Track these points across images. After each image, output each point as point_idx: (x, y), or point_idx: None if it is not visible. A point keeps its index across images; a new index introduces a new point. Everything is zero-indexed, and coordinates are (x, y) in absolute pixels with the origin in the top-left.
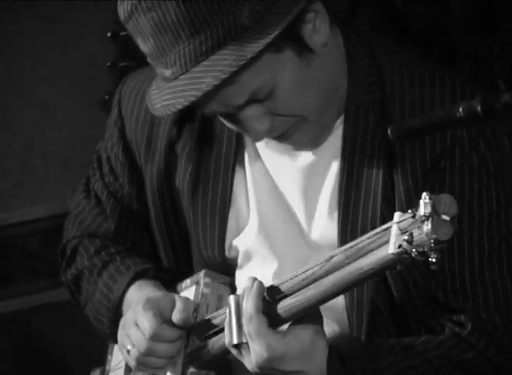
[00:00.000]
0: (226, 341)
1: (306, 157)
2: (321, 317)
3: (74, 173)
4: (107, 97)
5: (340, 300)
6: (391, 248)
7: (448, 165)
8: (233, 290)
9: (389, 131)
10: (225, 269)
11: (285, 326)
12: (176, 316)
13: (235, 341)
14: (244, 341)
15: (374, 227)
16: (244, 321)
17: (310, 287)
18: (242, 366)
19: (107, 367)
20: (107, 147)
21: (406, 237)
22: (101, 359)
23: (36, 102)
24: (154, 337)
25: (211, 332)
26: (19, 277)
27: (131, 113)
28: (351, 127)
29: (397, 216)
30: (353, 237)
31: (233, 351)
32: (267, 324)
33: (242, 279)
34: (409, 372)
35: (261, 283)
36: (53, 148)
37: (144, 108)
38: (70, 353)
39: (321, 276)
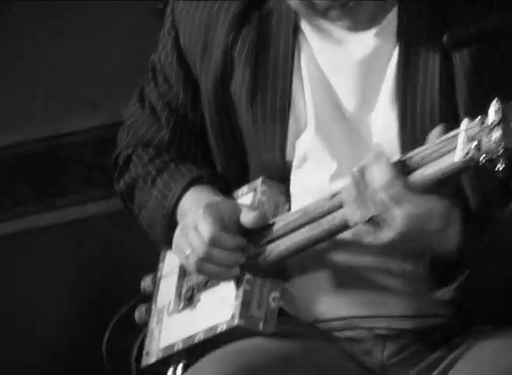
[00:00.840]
0: (357, 219)
1: (362, 51)
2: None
3: (128, 84)
4: (161, 6)
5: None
6: (458, 156)
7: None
8: (289, 199)
9: (444, 38)
10: (283, 172)
11: None
12: (245, 219)
13: (370, 214)
14: (378, 212)
15: (432, 121)
16: (380, 189)
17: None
18: (299, 271)
19: (159, 274)
20: (161, 57)
21: (474, 145)
22: (154, 269)
23: (91, 12)
24: (214, 243)
25: (269, 238)
26: (74, 187)
27: (185, 22)
28: (406, 17)
29: (465, 123)
30: (413, 132)
31: (367, 228)
32: (407, 187)
33: (297, 184)
34: None
35: (386, 156)
36: (107, 57)
37: (198, 15)
38: (123, 262)
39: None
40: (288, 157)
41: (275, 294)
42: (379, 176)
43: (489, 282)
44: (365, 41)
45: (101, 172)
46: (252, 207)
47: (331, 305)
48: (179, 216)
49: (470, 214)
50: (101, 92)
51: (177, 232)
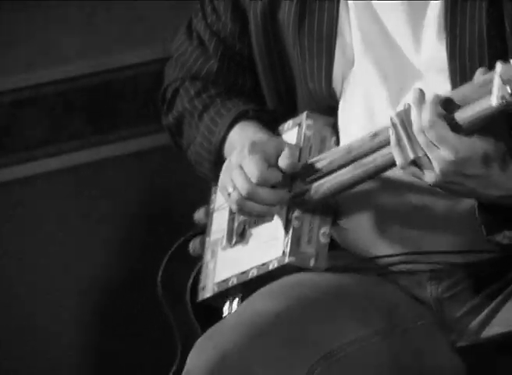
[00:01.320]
0: (400, 161)
1: None
2: (504, 133)
3: (181, 16)
4: None
5: None
6: (493, 100)
7: None
8: (336, 131)
9: None
10: (330, 104)
11: None
12: (283, 162)
13: (412, 156)
14: (420, 154)
15: (481, 55)
16: (421, 131)
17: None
18: (349, 207)
19: (211, 206)
20: None
21: (509, 89)
22: (207, 201)
23: None
24: (260, 181)
25: (315, 176)
26: (128, 121)
27: None
28: None
29: (499, 66)
30: (462, 64)
31: (409, 171)
32: (449, 128)
33: (345, 115)
34: None
35: (434, 93)
36: None
37: None
38: (176, 195)
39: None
40: (335, 87)
41: (325, 229)
42: (420, 117)
43: None
44: None
45: (155, 106)
46: (298, 142)
47: (382, 241)
48: (226, 152)
49: None
50: (155, 26)
51: (222, 170)
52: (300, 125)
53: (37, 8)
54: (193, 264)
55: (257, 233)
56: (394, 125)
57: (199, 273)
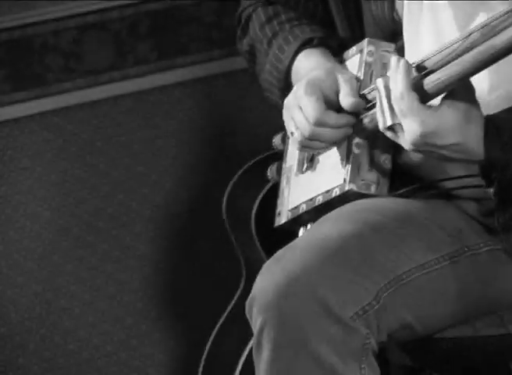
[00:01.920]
0: (380, 125)
1: None
2: (472, 89)
3: None
4: None
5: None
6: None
7: None
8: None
9: None
10: (394, 28)
11: (437, 101)
12: (344, 101)
13: (388, 123)
14: (397, 121)
15: None
16: (395, 100)
17: (453, 62)
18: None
19: (288, 133)
20: None
21: None
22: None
23: None
24: (318, 123)
25: (371, 104)
26: (194, 47)
27: None
28: None
29: None
30: None
31: (388, 134)
32: (418, 100)
33: (409, 38)
34: None
35: (407, 62)
36: None
37: None
38: (246, 120)
39: (463, 52)
40: (398, 13)
41: (387, 155)
42: (396, 87)
43: None
44: None
45: (221, 31)
46: (359, 69)
47: (445, 164)
48: (293, 80)
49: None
50: None
51: (284, 110)
52: (361, 51)
53: None
54: (260, 190)
55: (324, 160)
56: (378, 89)
57: (264, 200)
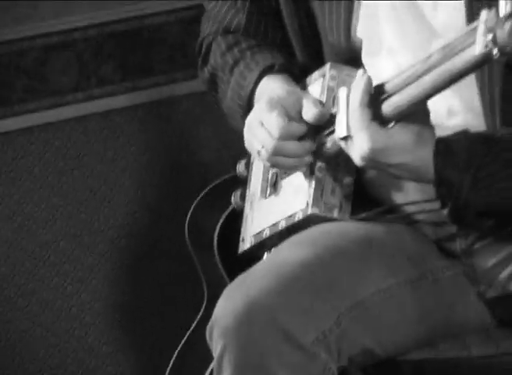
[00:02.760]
0: (335, 135)
1: None
2: (427, 112)
3: None
4: None
5: (471, 91)
6: (478, 48)
7: None
8: None
9: None
10: (351, 57)
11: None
12: (307, 114)
13: (342, 134)
14: (351, 133)
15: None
16: (351, 112)
17: (412, 85)
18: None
19: (252, 158)
20: None
21: (490, 38)
22: (245, 152)
23: None
24: (282, 136)
25: (333, 128)
26: (158, 68)
27: None
28: None
29: (484, 14)
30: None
31: (342, 145)
32: (371, 117)
33: (371, 67)
34: None
35: (369, 78)
36: None
37: None
38: (209, 143)
39: (422, 75)
40: (353, 41)
41: (349, 179)
42: (352, 100)
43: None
44: None
45: (185, 53)
46: (322, 93)
47: (405, 189)
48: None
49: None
50: None
51: (245, 128)
52: (324, 76)
53: None
54: (221, 212)
55: (286, 184)
56: (339, 98)
57: (227, 222)
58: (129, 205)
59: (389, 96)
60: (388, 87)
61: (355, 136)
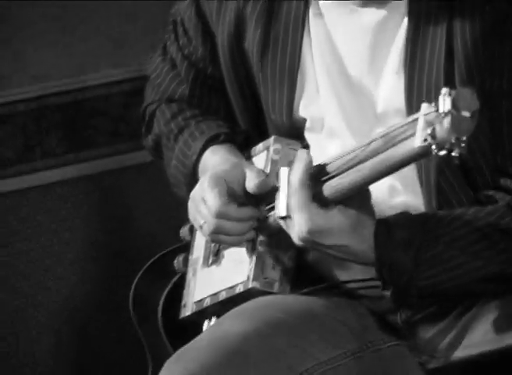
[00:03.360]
0: (276, 214)
1: (373, 19)
2: (368, 195)
3: (153, 36)
4: None
5: (411, 172)
6: (417, 142)
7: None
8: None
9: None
10: (293, 134)
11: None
12: (249, 184)
13: (282, 214)
14: (290, 214)
15: (437, 93)
16: (290, 193)
17: (353, 169)
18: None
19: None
20: (180, 10)
21: (429, 132)
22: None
23: None
24: (220, 216)
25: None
26: (100, 140)
27: None
28: None
29: (424, 107)
30: (419, 102)
31: (281, 224)
32: (310, 198)
33: (314, 145)
34: (457, 242)
35: (310, 157)
36: (129, 9)
37: None
38: (155, 213)
39: (363, 161)
40: (295, 119)
41: (290, 254)
42: (292, 180)
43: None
44: (377, 13)
45: (128, 124)
46: (265, 166)
47: (344, 268)
48: (200, 175)
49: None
50: (127, 46)
51: (189, 201)
52: (268, 149)
53: (9, 26)
54: (167, 282)
55: (229, 255)
56: (279, 178)
57: (171, 292)
58: (72, 277)
59: (330, 178)
60: (329, 169)
61: (294, 216)
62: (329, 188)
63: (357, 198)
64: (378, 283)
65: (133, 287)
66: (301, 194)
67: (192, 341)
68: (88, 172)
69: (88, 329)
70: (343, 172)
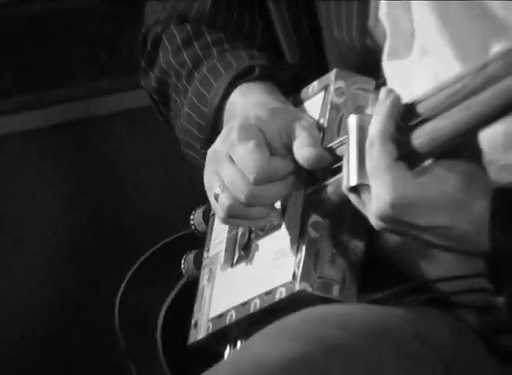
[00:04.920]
0: (343, 183)
1: None
2: (479, 149)
3: None
4: None
5: None
6: None
7: None
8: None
9: None
10: (368, 63)
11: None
12: (299, 153)
13: (352, 182)
14: (365, 181)
15: None
16: (364, 151)
17: (458, 106)
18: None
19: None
20: None
21: None
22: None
23: None
24: (259, 180)
25: (339, 164)
26: (74, 75)
27: None
28: None
29: None
30: None
31: (351, 198)
32: (395, 156)
33: (396, 77)
34: None
35: (397, 97)
36: None
37: None
38: (154, 184)
39: (474, 92)
40: (373, 39)
41: (357, 243)
42: (371, 132)
43: None
44: None
45: (115, 52)
46: (322, 114)
47: (439, 259)
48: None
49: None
50: None
51: (206, 162)
52: (327, 88)
53: None
54: (170, 287)
55: (264, 247)
56: (348, 129)
57: (176, 302)
58: (36, 275)
59: (423, 122)
60: (421, 109)
61: (372, 185)
62: (422, 138)
63: (464, 153)
64: (487, 284)
65: (119, 294)
66: (383, 151)
67: (211, 369)
68: (56, 120)
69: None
70: (442, 112)
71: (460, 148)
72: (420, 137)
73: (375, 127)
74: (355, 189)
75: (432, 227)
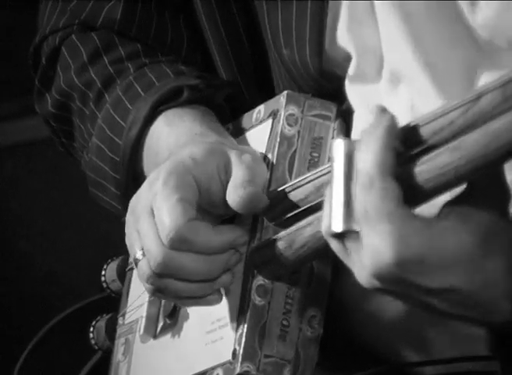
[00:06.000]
0: (323, 227)
1: None
2: (505, 194)
3: None
4: None
5: None
6: None
7: None
8: (342, 127)
9: None
10: (322, 91)
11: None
12: (231, 196)
13: (337, 228)
14: (355, 227)
15: None
16: (359, 189)
17: (475, 132)
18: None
19: (130, 259)
20: None
21: None
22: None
23: None
24: (178, 241)
25: (294, 212)
26: None
27: None
28: None
29: None
30: None
31: (333, 245)
32: (400, 199)
33: (355, 95)
34: None
35: (394, 119)
36: None
37: None
38: (53, 236)
39: (464, 131)
40: (329, 56)
41: (315, 311)
42: (364, 164)
43: None
44: None
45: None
46: (270, 147)
47: (408, 342)
48: (146, 164)
49: None
50: None
51: (129, 212)
52: (275, 115)
53: None
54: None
55: (197, 316)
56: (332, 158)
57: None
58: None
59: (427, 151)
60: (424, 134)
61: (367, 233)
62: (427, 172)
63: (484, 194)
64: (493, 367)
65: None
66: (386, 194)
67: None
68: None
69: None
70: (453, 138)
71: (480, 188)
72: (425, 172)
73: (369, 160)
74: (340, 236)
75: (443, 290)
